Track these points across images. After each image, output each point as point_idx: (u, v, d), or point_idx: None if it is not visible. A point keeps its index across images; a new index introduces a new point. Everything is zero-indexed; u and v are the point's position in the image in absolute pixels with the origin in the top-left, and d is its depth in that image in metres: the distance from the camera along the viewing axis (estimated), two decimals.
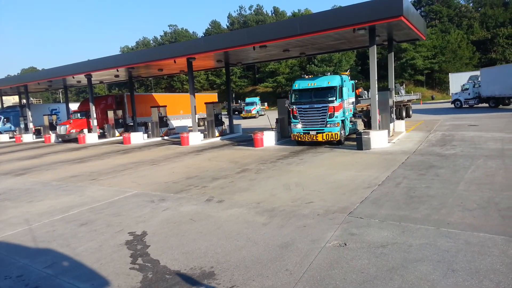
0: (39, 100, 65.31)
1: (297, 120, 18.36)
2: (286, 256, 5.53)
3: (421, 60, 67.17)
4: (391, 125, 18.74)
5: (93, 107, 29.68)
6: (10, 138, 39.02)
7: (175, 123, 37.97)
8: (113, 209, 8.89)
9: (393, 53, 20.84)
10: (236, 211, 8.02)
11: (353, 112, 20.19)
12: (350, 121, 19.61)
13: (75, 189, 11.72)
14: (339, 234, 6.29)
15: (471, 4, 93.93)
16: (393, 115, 19.87)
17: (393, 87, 20.67)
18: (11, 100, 61.25)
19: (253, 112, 53.61)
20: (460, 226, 6.30)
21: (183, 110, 39.23)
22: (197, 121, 24.57)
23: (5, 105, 49.41)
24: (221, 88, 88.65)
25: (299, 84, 18.73)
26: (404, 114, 31.19)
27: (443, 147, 15.27)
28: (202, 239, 6.45)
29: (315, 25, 16.41)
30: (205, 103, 25.45)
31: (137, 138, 26.50)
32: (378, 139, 16.29)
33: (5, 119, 41.00)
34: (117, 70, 25.65)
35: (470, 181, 9.33)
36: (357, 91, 30.98)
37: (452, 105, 41.16)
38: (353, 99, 20.09)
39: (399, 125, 20.99)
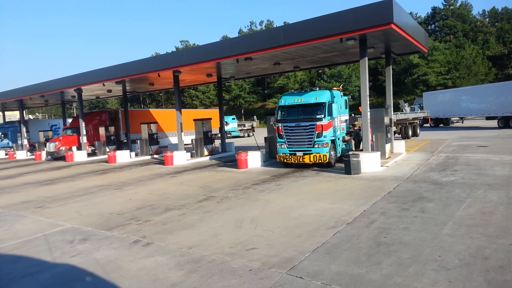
0: (45, 116, 65.15)
1: (283, 140, 16.73)
2: None
3: (433, 76, 64.96)
4: (387, 146, 16.92)
5: (83, 123, 28.53)
6: (6, 154, 38.19)
7: (173, 140, 36.64)
8: (18, 251, 7.36)
9: (390, 66, 19.11)
10: (155, 260, 6.38)
11: (347, 131, 18.42)
12: (344, 141, 17.87)
13: (9, 220, 10.26)
14: None
15: (487, 19, 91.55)
16: (390, 135, 18.05)
17: (391, 103, 18.89)
18: (17, 115, 61.01)
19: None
20: None
21: (184, 126, 37.88)
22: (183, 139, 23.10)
23: (12, 120, 48.98)
24: (229, 104, 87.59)
25: (285, 100, 17.14)
26: (410, 132, 29.30)
27: (442, 172, 13.42)
28: None
29: (298, 35, 14.88)
30: (194, 119, 24.02)
31: (123, 156, 25.13)
32: (369, 162, 14.50)
33: (2, 135, 40.33)
34: (103, 85, 24.46)
35: (461, 221, 7.52)
36: (359, 107, 29.22)
37: None
38: (346, 117, 18.36)
39: (399, 146, 19.11)
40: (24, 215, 10.80)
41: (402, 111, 28.37)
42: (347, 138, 18.56)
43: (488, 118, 35.26)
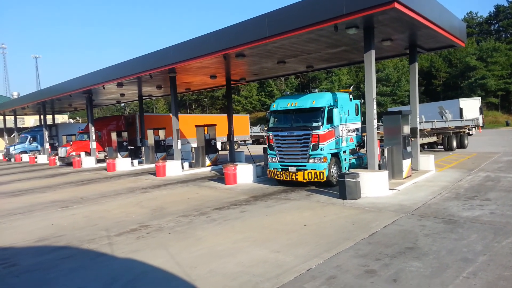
0: (85, 119, 65.94)
1: (274, 152, 13.81)
2: None
3: (493, 80, 58.30)
4: (406, 162, 13.39)
5: (92, 128, 27.09)
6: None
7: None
8: None
9: (416, 64, 15.49)
10: None
11: (357, 142, 15.07)
12: (354, 154, 14.62)
13: None
14: None
15: None
16: (412, 148, 14.51)
17: (416, 109, 15.30)
18: (59, 119, 62.11)
19: None
20: None
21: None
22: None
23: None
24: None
25: (277, 104, 14.25)
26: (454, 144, 24.93)
27: (468, 202, 9.89)
28: None
29: (285, 23, 11.94)
30: (195, 126, 21.58)
31: (124, 165, 23.16)
32: (372, 183, 11.23)
33: (31, 138, 40.32)
34: (104, 87, 22.66)
35: None
36: None
37: None
38: (357, 125, 15.03)
39: (426, 161, 15.40)
40: None
41: (443, 117, 24.17)
42: (360, 151, 15.27)
43: None
